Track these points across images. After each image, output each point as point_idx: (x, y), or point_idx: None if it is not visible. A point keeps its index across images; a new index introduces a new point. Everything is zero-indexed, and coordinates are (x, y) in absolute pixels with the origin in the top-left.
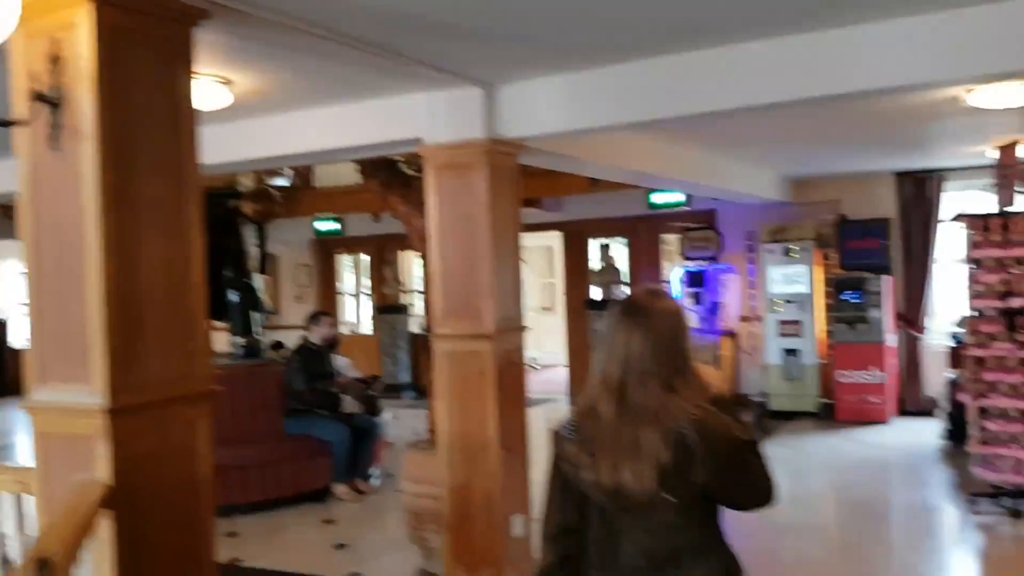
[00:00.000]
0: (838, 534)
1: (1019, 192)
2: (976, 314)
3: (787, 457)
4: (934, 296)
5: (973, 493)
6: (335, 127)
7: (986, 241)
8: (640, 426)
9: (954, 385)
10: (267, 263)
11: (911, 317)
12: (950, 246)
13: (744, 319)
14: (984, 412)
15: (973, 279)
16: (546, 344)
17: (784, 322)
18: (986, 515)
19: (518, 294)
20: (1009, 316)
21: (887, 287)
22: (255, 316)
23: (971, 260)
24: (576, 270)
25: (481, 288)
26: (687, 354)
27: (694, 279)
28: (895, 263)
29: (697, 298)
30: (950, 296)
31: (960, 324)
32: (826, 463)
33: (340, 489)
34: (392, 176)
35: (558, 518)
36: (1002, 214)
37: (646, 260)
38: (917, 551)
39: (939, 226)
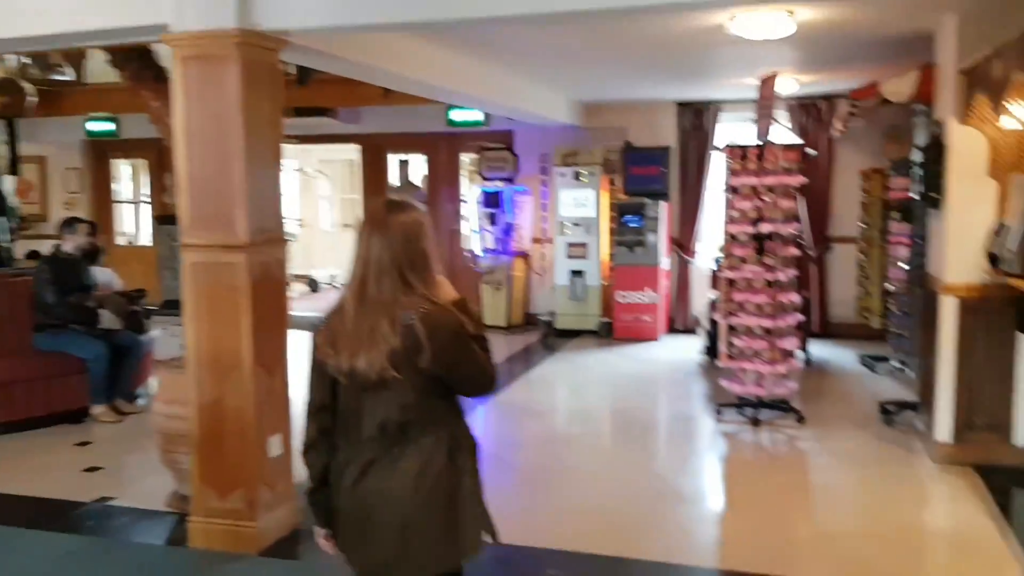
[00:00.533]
0: (606, 443)
1: (776, 123)
2: (730, 238)
3: (567, 372)
4: (705, 222)
5: (720, 404)
6: (68, 8)
7: (742, 170)
8: (375, 318)
9: (713, 305)
10: (18, 164)
11: (683, 242)
12: (721, 175)
13: (536, 241)
14: (732, 330)
15: (729, 205)
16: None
17: (572, 244)
18: (731, 424)
19: (278, 203)
20: (759, 240)
21: (664, 213)
22: (1, 221)
23: (729, 188)
24: (375, 186)
25: (234, 195)
26: (425, 260)
27: (491, 199)
28: (672, 190)
29: (493, 219)
30: (718, 222)
31: (721, 248)
32: (601, 378)
33: (98, 410)
34: (143, 67)
35: (315, 398)
36: (759, 144)
37: (445, 178)
38: (672, 457)
39: (712, 155)
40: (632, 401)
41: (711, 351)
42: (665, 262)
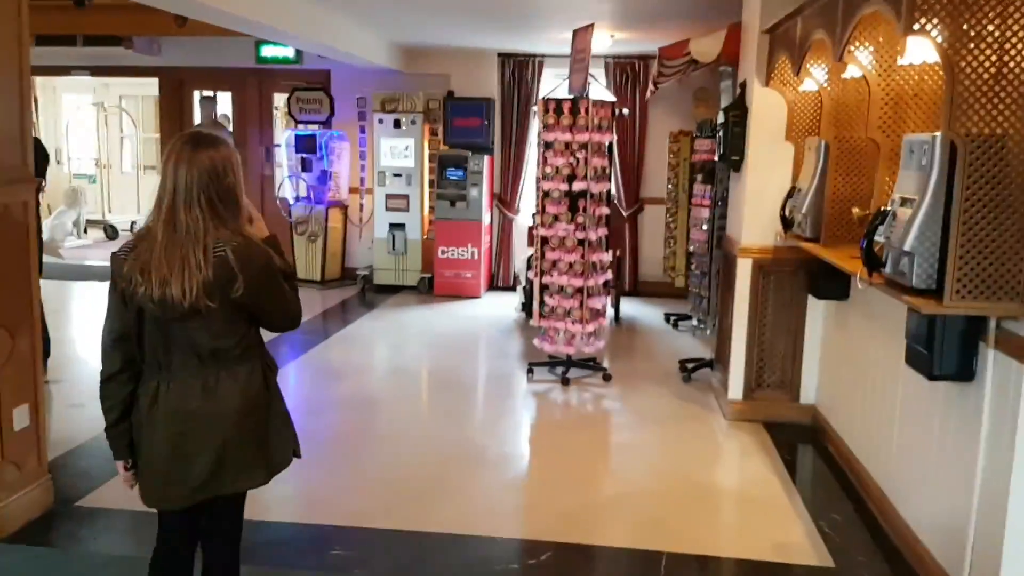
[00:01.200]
0: (416, 406)
1: (592, 79)
2: (544, 195)
3: (384, 330)
4: (527, 179)
5: (532, 364)
6: None
7: (556, 124)
8: (187, 247)
9: (530, 262)
10: None
11: (505, 197)
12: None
13: (354, 191)
14: (545, 288)
15: (543, 161)
16: (151, 205)
17: (392, 196)
18: (542, 383)
19: (24, 139)
20: (571, 198)
21: (487, 167)
22: None
23: (543, 143)
24: (176, 124)
25: None
26: (233, 195)
27: (304, 144)
28: (495, 144)
29: (307, 165)
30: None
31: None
32: (419, 336)
33: None
34: None
35: (118, 326)
36: (572, 99)
37: (255, 119)
38: (482, 420)
39: (534, 110)
40: (448, 360)
41: (528, 308)
42: (487, 218)
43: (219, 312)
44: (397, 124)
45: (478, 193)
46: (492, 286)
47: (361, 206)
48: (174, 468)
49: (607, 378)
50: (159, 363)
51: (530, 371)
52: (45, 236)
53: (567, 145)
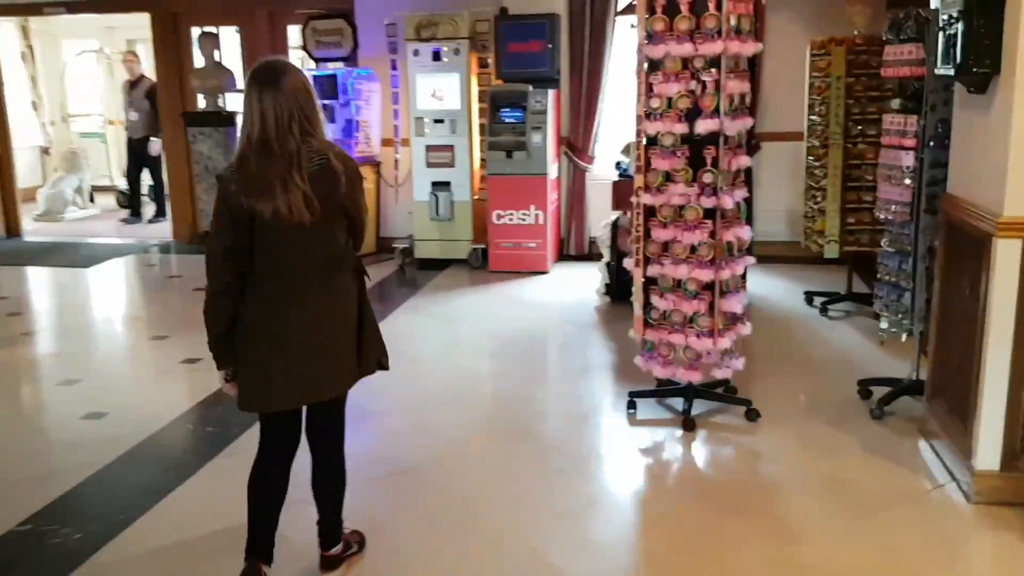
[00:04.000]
0: (458, 481)
1: None
2: (648, 142)
3: (424, 329)
4: (605, 117)
5: (634, 394)
6: None
7: (668, 31)
8: (283, 171)
9: (616, 229)
10: None
11: (577, 143)
12: (632, 46)
13: (387, 143)
14: (653, 284)
15: (646, 90)
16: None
17: (433, 147)
18: (652, 425)
19: None
20: (693, 145)
21: (552, 104)
22: None
23: (645, 62)
24: (172, 70)
25: None
26: (318, 114)
27: (325, 87)
28: (563, 73)
29: (329, 114)
30: (623, 117)
31: (626, 151)
32: (469, 338)
33: None
34: None
35: (227, 241)
36: None
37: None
38: (556, 505)
39: (616, 23)
40: (508, 384)
41: (614, 290)
42: (554, 170)
43: (323, 223)
44: (437, 56)
45: (541, 139)
46: (561, 255)
47: (396, 162)
48: (281, 373)
49: (753, 416)
50: (270, 271)
51: (631, 405)
52: (40, 208)
53: (685, 63)
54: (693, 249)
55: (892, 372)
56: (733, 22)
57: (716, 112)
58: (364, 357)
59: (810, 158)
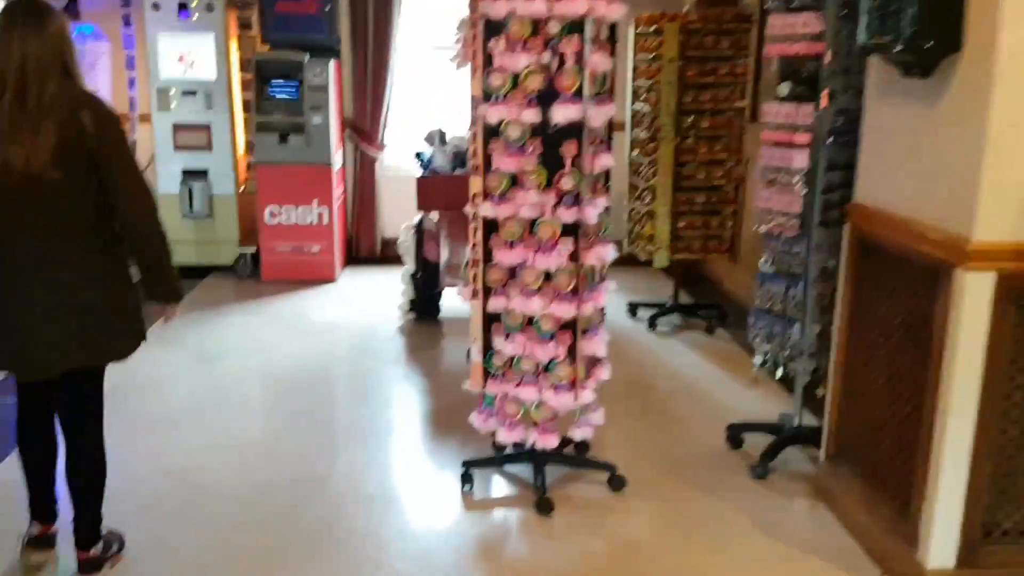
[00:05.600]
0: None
1: None
2: (488, 135)
3: (180, 368)
4: (398, 96)
5: (469, 463)
6: None
7: None
8: (39, 120)
9: (421, 233)
10: None
11: (364, 126)
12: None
13: (120, 118)
14: (495, 320)
15: (484, 64)
16: None
17: (183, 127)
18: (494, 506)
19: None
20: (547, 139)
21: (334, 78)
22: None
23: (483, 24)
24: None
25: None
26: (75, 58)
27: None
28: (344, 42)
29: None
30: (421, 96)
31: (430, 140)
32: (237, 380)
33: None
34: None
35: None
36: None
37: None
38: None
39: None
40: (291, 458)
41: (421, 306)
42: (338, 158)
43: (70, 179)
44: (184, 9)
45: (323, 120)
46: (350, 259)
47: (133, 143)
48: (22, 339)
49: (618, 485)
50: (11, 235)
51: (466, 479)
52: None
53: (536, 27)
54: (548, 276)
55: (757, 410)
56: None
57: (578, 95)
58: (113, 336)
59: (635, 152)
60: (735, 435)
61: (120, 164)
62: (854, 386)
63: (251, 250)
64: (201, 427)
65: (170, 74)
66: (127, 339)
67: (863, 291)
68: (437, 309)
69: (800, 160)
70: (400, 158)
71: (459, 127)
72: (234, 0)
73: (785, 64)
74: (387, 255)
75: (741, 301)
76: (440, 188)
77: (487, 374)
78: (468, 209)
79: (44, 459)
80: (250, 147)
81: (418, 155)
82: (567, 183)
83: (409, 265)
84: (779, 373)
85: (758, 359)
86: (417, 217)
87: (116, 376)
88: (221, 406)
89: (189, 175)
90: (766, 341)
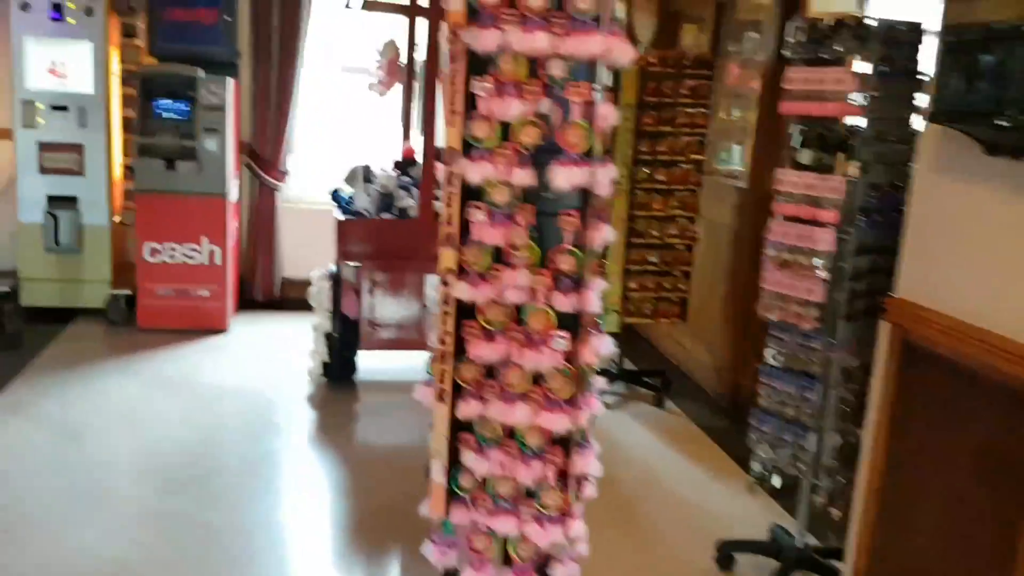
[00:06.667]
0: None
1: None
2: (466, 195)
3: (34, 451)
4: (300, 116)
5: None
6: None
7: (506, 7)
8: None
9: (337, 283)
10: None
11: (263, 152)
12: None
13: None
14: (465, 429)
15: (466, 108)
16: None
17: (50, 146)
18: None
19: None
20: (539, 204)
21: (232, 97)
22: None
23: (462, 55)
24: None
25: None
26: None
27: None
28: (244, 56)
29: None
30: (328, 121)
31: (351, 179)
32: (106, 471)
33: None
34: None
35: None
36: None
37: None
38: None
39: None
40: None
41: (335, 370)
42: (234, 189)
43: None
44: (58, 11)
45: (218, 145)
46: (243, 302)
47: None
48: None
49: None
50: None
51: None
52: None
53: (534, 67)
54: (536, 380)
55: (737, 514)
56: (618, 8)
57: (588, 155)
58: None
59: None
60: (726, 555)
61: None
62: (894, 517)
63: (126, 292)
64: (50, 541)
65: (38, 85)
66: None
67: (909, 404)
68: (353, 369)
69: (825, 240)
70: (302, 188)
71: (380, 163)
72: (118, 4)
73: (806, 125)
74: (286, 297)
75: (683, 365)
76: (366, 233)
77: (451, 496)
78: (437, 289)
79: None
80: (129, 172)
81: (335, 194)
82: (566, 262)
83: (322, 320)
84: (778, 482)
85: (757, 466)
86: (331, 264)
87: None
88: (78, 510)
89: (55, 202)
90: (771, 448)
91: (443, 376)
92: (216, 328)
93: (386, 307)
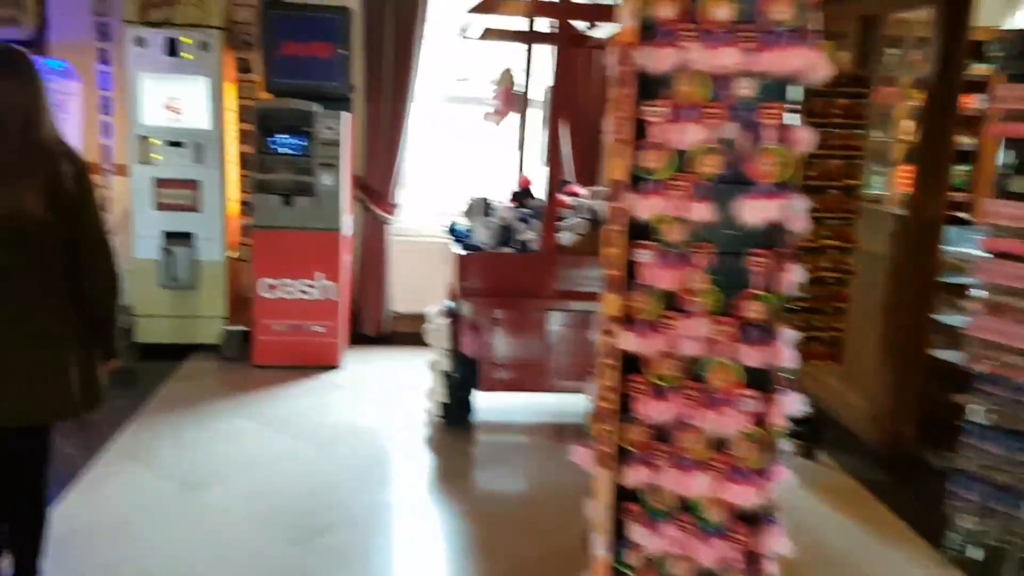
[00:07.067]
0: None
1: None
2: (628, 228)
3: (152, 501)
4: (412, 150)
5: None
6: None
7: (685, 21)
8: (20, 163)
9: (455, 320)
10: None
11: (375, 185)
12: (449, 67)
13: (96, 169)
14: (632, 499)
15: (635, 135)
16: None
17: (167, 182)
18: None
19: None
20: (720, 243)
21: (347, 132)
22: None
23: (633, 77)
24: None
25: None
26: (49, 105)
27: None
28: (358, 91)
29: None
30: (444, 154)
31: (473, 211)
32: (224, 526)
33: None
34: None
35: None
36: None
37: None
38: None
39: (425, 29)
40: None
41: (455, 411)
42: (348, 223)
43: (48, 232)
44: (172, 49)
45: (334, 180)
46: (355, 338)
47: (109, 199)
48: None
49: None
50: None
51: None
52: None
53: (718, 87)
54: (719, 446)
55: None
56: (818, 18)
57: (782, 187)
58: (60, 395)
59: None
60: None
61: (90, 218)
62: None
63: (241, 328)
64: None
65: (154, 121)
66: (84, 399)
67: None
68: (469, 410)
69: None
70: (412, 221)
71: (497, 194)
72: (233, 40)
73: (1020, 149)
74: (396, 332)
75: (832, 412)
76: (486, 268)
77: (616, 574)
78: (598, 338)
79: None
80: (245, 207)
81: (452, 228)
82: (755, 309)
83: (440, 359)
84: (979, 554)
85: (954, 536)
86: (447, 300)
87: (74, 516)
88: (201, 565)
89: (172, 237)
90: (977, 516)
91: (606, 438)
92: (329, 364)
93: (506, 345)
